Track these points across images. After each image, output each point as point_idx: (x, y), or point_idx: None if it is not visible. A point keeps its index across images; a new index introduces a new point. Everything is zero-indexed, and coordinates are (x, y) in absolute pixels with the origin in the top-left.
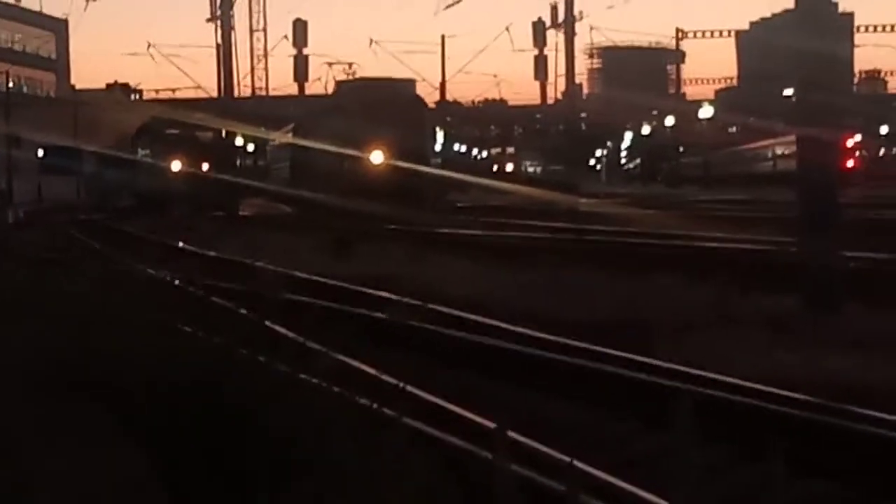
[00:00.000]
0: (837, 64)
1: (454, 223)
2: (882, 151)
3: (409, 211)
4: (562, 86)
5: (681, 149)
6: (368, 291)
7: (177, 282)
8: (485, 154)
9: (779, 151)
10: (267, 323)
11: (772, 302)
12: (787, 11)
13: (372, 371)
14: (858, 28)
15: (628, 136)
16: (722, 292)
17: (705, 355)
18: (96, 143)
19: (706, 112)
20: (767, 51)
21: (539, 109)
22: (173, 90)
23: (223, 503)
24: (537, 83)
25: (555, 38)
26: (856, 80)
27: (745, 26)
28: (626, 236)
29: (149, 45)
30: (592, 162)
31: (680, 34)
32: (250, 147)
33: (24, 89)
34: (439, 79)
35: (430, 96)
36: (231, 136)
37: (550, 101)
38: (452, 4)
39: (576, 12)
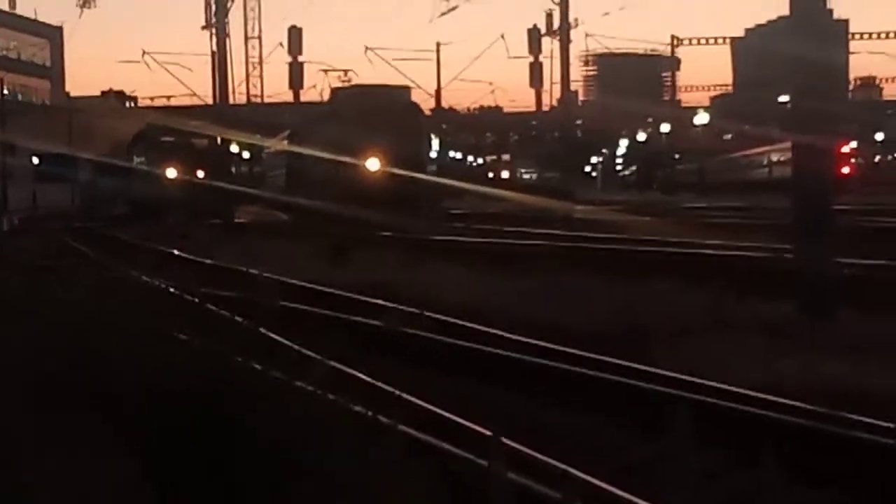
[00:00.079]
0: (833, 71)
1: (450, 230)
2: (878, 158)
3: (405, 218)
4: (557, 93)
5: (676, 156)
6: (364, 299)
7: (172, 289)
8: (480, 161)
9: (774, 158)
10: (262, 330)
11: (767, 308)
12: (782, 18)
13: (367, 379)
14: (853, 35)
15: (624, 143)
16: (718, 298)
17: (702, 361)
18: (91, 150)
19: (702, 119)
20: (763, 58)
21: (535, 116)
22: (168, 97)
23: None
24: (533, 90)
25: (550, 46)
26: (851, 86)
27: (741, 33)
28: (623, 243)
29: (144, 53)
30: (588, 169)
31: (675, 41)
32: (246, 154)
33: (19, 97)
34: (434, 86)
35: (425, 103)
36: (226, 143)
37: (546, 108)
38: (447, 12)
39: (571, 19)
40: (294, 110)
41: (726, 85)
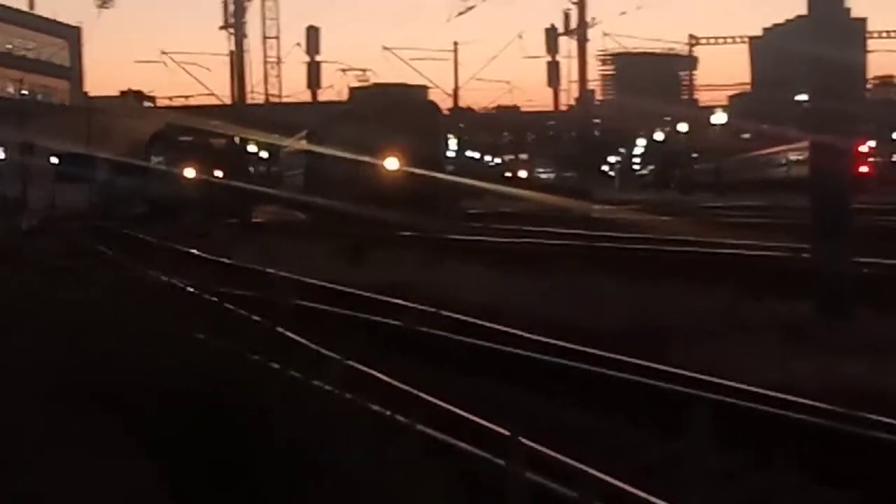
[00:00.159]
0: (850, 70)
1: (468, 230)
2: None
3: (424, 218)
4: (575, 92)
5: (694, 155)
6: (383, 298)
7: (190, 289)
8: (498, 161)
9: (792, 157)
10: (279, 329)
11: (785, 308)
12: (800, 17)
13: (385, 378)
14: (871, 34)
15: (641, 142)
16: (735, 298)
17: (720, 362)
18: (110, 150)
19: (719, 118)
20: (780, 57)
21: (552, 116)
22: (186, 97)
23: None
24: (550, 90)
25: (567, 45)
26: (868, 85)
27: (759, 32)
28: (640, 243)
29: (162, 53)
30: (605, 168)
31: (693, 40)
32: (264, 154)
33: (38, 97)
34: (452, 85)
35: (442, 103)
36: (244, 142)
37: (563, 107)
38: (465, 11)
39: (588, 19)
40: (312, 110)
41: (744, 84)
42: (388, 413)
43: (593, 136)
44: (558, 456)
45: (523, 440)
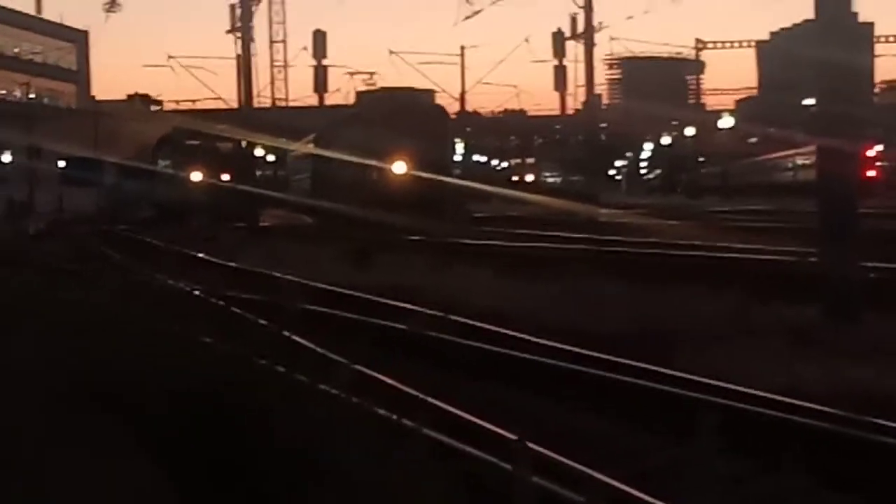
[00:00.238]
0: (858, 74)
1: (475, 234)
2: None
3: (431, 221)
4: (581, 96)
5: (701, 159)
6: (390, 302)
7: (196, 292)
8: (505, 165)
9: (799, 162)
10: (286, 333)
11: (793, 312)
12: (807, 22)
13: (391, 382)
14: (879, 38)
15: (648, 146)
16: (743, 302)
17: (726, 366)
18: (117, 154)
19: (726, 122)
20: (788, 61)
21: (559, 120)
22: (193, 101)
23: None
24: (557, 94)
25: (574, 49)
26: (876, 90)
27: (766, 36)
28: (647, 247)
29: (169, 57)
30: (612, 172)
31: (700, 44)
32: (271, 158)
33: (46, 100)
34: (459, 89)
35: (449, 107)
36: (251, 146)
37: (570, 111)
38: (472, 15)
39: (595, 23)
40: (319, 114)
41: (751, 88)
42: (393, 417)
43: (600, 141)
44: (564, 460)
45: (530, 444)
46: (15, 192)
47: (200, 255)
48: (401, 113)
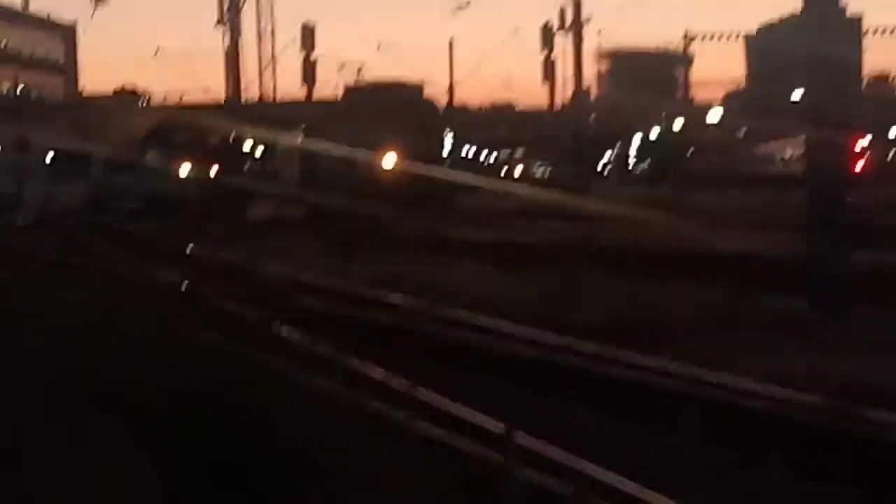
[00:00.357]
0: (846, 67)
1: (465, 226)
2: (892, 154)
3: (421, 214)
4: (570, 89)
5: (689, 151)
6: (379, 295)
7: (182, 285)
8: (493, 157)
9: (787, 154)
10: (273, 327)
11: (782, 304)
12: (795, 15)
13: (382, 375)
14: (867, 31)
15: (637, 138)
16: (732, 295)
17: (715, 357)
18: (105, 147)
19: (715, 115)
20: (776, 54)
21: (548, 112)
22: (181, 95)
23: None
24: (546, 86)
25: (563, 42)
26: (864, 83)
27: (754, 29)
28: (635, 239)
29: (157, 50)
30: (601, 165)
31: (689, 38)
32: (259, 151)
33: (33, 94)
34: (447, 82)
35: (438, 99)
36: (240, 140)
37: (559, 104)
38: (461, 7)
39: (584, 16)
40: (308, 107)
41: (740, 81)
42: (384, 409)
43: (589, 133)
44: (553, 450)
45: (520, 436)
46: (2, 184)
47: (188, 248)
48: (391, 106)
